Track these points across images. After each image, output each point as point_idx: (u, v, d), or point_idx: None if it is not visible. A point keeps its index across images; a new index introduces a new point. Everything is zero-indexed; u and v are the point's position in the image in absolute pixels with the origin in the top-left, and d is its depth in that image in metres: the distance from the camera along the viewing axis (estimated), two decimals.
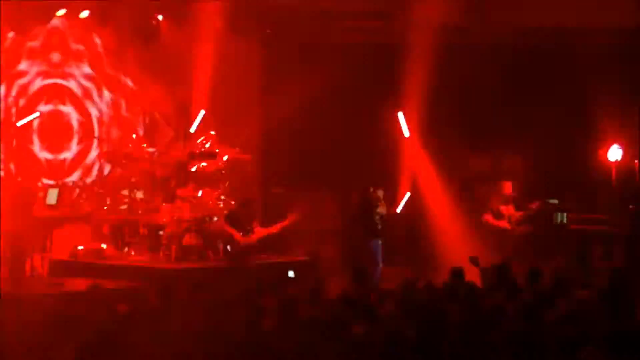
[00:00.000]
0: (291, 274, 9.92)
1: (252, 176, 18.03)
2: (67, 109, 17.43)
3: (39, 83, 17.20)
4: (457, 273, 10.27)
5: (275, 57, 19.48)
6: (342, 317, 8.08)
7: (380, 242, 15.70)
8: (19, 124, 15.49)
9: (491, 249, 16.32)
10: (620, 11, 18.44)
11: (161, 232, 16.53)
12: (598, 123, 18.78)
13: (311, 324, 7.66)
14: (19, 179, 15.04)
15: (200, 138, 17.43)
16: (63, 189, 15.56)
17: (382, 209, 15.92)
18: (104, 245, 16.73)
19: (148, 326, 7.97)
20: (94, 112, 17.76)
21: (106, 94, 17.97)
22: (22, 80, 16.93)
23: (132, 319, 8.26)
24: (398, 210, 17.23)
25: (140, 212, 16.85)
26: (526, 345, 7.26)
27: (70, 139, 17.57)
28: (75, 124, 17.55)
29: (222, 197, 17.04)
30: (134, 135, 17.50)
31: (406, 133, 18.99)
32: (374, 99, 18.54)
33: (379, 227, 15.80)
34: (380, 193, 16.04)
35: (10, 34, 16.23)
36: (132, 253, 16.87)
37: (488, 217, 16.67)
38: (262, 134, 19.67)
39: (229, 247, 14.77)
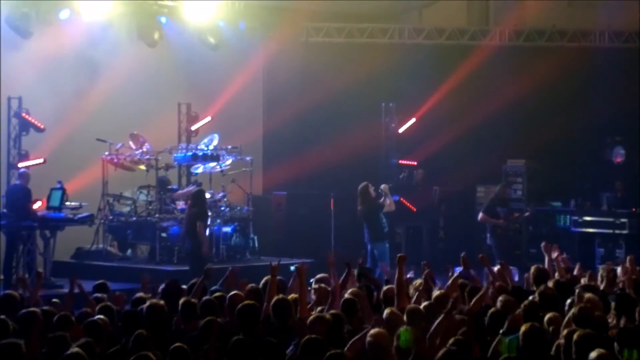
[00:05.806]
0: (292, 268, 9.91)
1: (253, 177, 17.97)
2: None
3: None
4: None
5: (277, 59, 19.50)
6: None
7: (387, 244, 15.60)
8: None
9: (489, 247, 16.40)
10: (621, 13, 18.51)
11: (164, 234, 16.55)
12: (601, 125, 18.78)
13: None
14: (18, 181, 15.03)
15: (203, 140, 17.44)
16: (66, 190, 15.52)
17: (389, 206, 15.69)
18: (106, 247, 16.75)
19: None
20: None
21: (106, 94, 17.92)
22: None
23: None
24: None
25: (143, 213, 16.87)
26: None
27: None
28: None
29: (225, 199, 17.08)
30: (136, 136, 17.45)
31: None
32: (374, 99, 18.55)
33: (386, 229, 15.72)
34: (384, 187, 15.84)
35: None
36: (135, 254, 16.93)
37: (484, 216, 16.68)
38: (264, 135, 19.70)
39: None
